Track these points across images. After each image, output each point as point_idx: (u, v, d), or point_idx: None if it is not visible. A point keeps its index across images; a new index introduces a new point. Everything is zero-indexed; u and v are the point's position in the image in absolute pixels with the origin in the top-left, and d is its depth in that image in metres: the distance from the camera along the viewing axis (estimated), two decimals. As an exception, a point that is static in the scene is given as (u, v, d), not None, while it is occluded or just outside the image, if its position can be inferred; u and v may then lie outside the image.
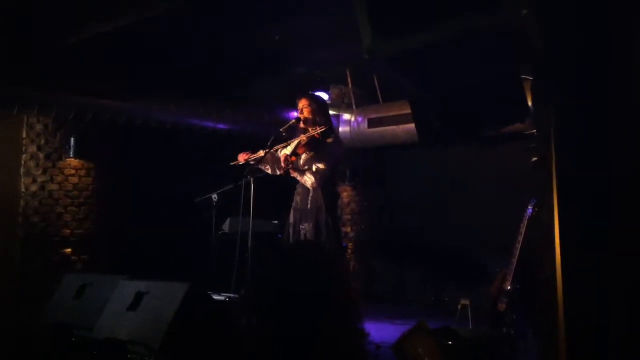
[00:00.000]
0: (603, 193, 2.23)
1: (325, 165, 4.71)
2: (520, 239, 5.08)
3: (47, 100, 6.19)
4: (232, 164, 4.95)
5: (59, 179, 6.72)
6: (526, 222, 5.08)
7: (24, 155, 6.64)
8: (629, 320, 2.13)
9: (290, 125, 4.91)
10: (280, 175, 4.94)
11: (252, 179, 4.84)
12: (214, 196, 5.69)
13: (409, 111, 6.46)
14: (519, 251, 5.07)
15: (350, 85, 7.74)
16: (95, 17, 5.65)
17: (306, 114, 4.79)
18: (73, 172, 6.80)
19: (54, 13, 5.69)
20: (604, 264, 2.13)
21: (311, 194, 4.74)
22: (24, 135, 6.65)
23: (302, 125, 4.83)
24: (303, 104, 4.83)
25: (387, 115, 7.29)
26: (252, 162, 4.85)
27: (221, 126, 7.28)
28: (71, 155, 6.72)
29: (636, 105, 2.36)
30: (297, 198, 4.85)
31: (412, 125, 6.44)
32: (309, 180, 4.70)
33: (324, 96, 7.34)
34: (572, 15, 2.39)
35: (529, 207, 5.08)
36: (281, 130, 4.93)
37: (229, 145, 7.06)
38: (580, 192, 2.21)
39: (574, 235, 2.15)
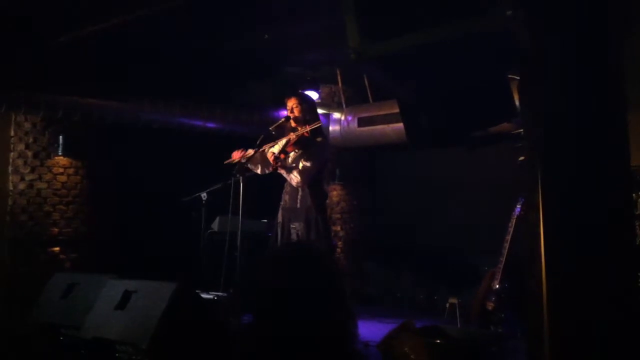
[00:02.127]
0: (589, 194, 2.24)
1: (311, 164, 4.69)
2: (509, 238, 5.11)
3: (34, 99, 6.16)
4: (226, 162, 4.93)
5: (47, 177, 6.68)
6: (514, 221, 5.10)
7: (12, 153, 6.60)
8: (615, 321, 2.15)
9: (280, 123, 4.91)
10: (269, 172, 4.95)
11: (241, 178, 4.84)
12: (203, 195, 5.68)
13: (398, 110, 6.47)
14: (507, 250, 5.10)
15: (340, 84, 7.74)
16: (86, 17, 5.63)
17: (296, 112, 4.79)
18: (61, 170, 6.77)
19: (43, 12, 5.66)
20: (589, 265, 2.14)
21: (300, 193, 4.74)
22: (12, 133, 6.62)
23: (292, 123, 4.83)
24: (293, 102, 4.82)
25: (377, 114, 7.29)
26: (244, 161, 4.86)
27: (211, 125, 7.26)
28: (59, 153, 6.69)
29: (624, 106, 2.38)
30: (286, 197, 4.85)
31: (401, 125, 6.45)
32: (294, 178, 4.69)
33: (313, 95, 7.35)
34: (562, 16, 2.40)
35: (517, 206, 5.11)
36: (270, 128, 4.93)
37: (219, 144, 7.06)
38: (565, 193, 2.22)
39: (559, 236, 2.16)
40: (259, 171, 4.99)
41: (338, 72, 7.56)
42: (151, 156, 6.93)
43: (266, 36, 6.23)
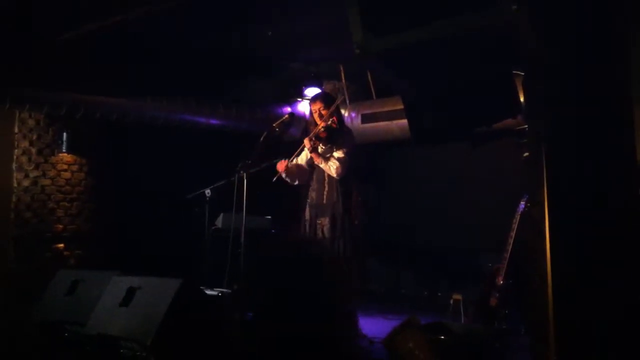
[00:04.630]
0: (594, 190, 2.23)
1: (344, 154, 4.71)
2: (512, 234, 5.10)
3: (38, 96, 6.16)
4: (275, 179, 4.94)
5: (51, 173, 6.70)
6: (518, 217, 5.09)
7: (16, 150, 6.61)
8: (619, 317, 2.14)
9: (283, 120, 4.91)
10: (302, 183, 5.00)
11: (244, 174, 4.84)
12: (207, 191, 5.67)
13: (402, 107, 6.44)
14: (511, 246, 5.09)
15: (343, 81, 7.73)
16: (90, 14, 5.63)
17: (325, 115, 4.77)
18: (65, 167, 6.79)
19: (47, 9, 5.67)
20: (593, 261, 2.14)
21: (326, 189, 4.76)
22: (16, 130, 6.62)
23: (321, 126, 4.80)
24: (319, 106, 4.82)
25: (381, 110, 7.27)
26: (284, 175, 4.90)
27: (214, 122, 7.26)
28: (63, 150, 6.70)
29: (630, 102, 2.37)
30: (312, 194, 4.86)
31: (406, 121, 6.43)
32: (333, 165, 4.67)
33: (316, 92, 7.36)
34: (566, 14, 2.39)
35: (521, 203, 5.09)
36: (274, 125, 4.93)
37: (223, 142, 7.07)
38: (570, 189, 2.21)
39: (564, 232, 2.16)
40: (296, 182, 5.02)
41: (341, 68, 7.54)
42: (155, 153, 6.93)
43: (269, 33, 6.22)
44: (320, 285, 1.56)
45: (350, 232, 4.73)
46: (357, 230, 4.91)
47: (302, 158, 4.95)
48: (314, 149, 4.72)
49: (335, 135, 4.78)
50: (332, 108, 4.77)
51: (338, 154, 4.71)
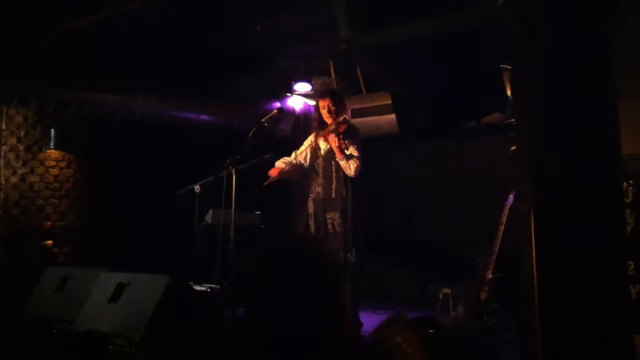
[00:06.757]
0: (579, 183, 2.25)
1: (359, 152, 4.77)
2: (502, 228, 5.12)
3: (26, 92, 6.13)
4: (266, 183, 4.99)
5: (40, 170, 6.67)
6: (507, 211, 5.11)
7: (4, 147, 6.57)
8: (605, 309, 2.16)
9: (272, 116, 4.91)
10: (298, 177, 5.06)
11: (233, 170, 4.83)
12: (196, 187, 5.65)
13: (391, 102, 6.45)
14: (500, 240, 5.11)
15: (333, 76, 7.72)
16: (78, 10, 5.60)
17: (333, 110, 4.82)
18: (53, 163, 6.76)
19: (36, 5, 5.63)
20: (579, 254, 2.15)
21: (334, 184, 4.80)
22: (3, 127, 6.58)
23: (329, 119, 4.82)
24: (328, 102, 4.86)
25: (370, 105, 7.27)
26: (279, 178, 4.96)
27: (204, 118, 7.24)
28: (51, 147, 6.68)
29: (614, 96, 2.39)
30: (318, 189, 4.89)
31: (394, 116, 6.45)
32: (353, 164, 4.71)
33: (306, 87, 7.38)
34: (553, 8, 2.40)
35: (510, 196, 5.11)
36: (263, 120, 4.92)
37: (213, 137, 7.05)
38: (556, 182, 2.23)
39: (549, 225, 2.17)
40: (298, 176, 5.12)
41: (331, 64, 7.54)
42: (145, 149, 6.91)
43: (258, 28, 6.21)
44: (318, 284, 1.55)
45: (361, 226, 4.80)
46: (362, 225, 4.96)
47: (303, 156, 4.97)
48: (345, 147, 4.71)
49: (351, 131, 4.82)
50: (343, 104, 4.87)
51: (354, 151, 4.74)
